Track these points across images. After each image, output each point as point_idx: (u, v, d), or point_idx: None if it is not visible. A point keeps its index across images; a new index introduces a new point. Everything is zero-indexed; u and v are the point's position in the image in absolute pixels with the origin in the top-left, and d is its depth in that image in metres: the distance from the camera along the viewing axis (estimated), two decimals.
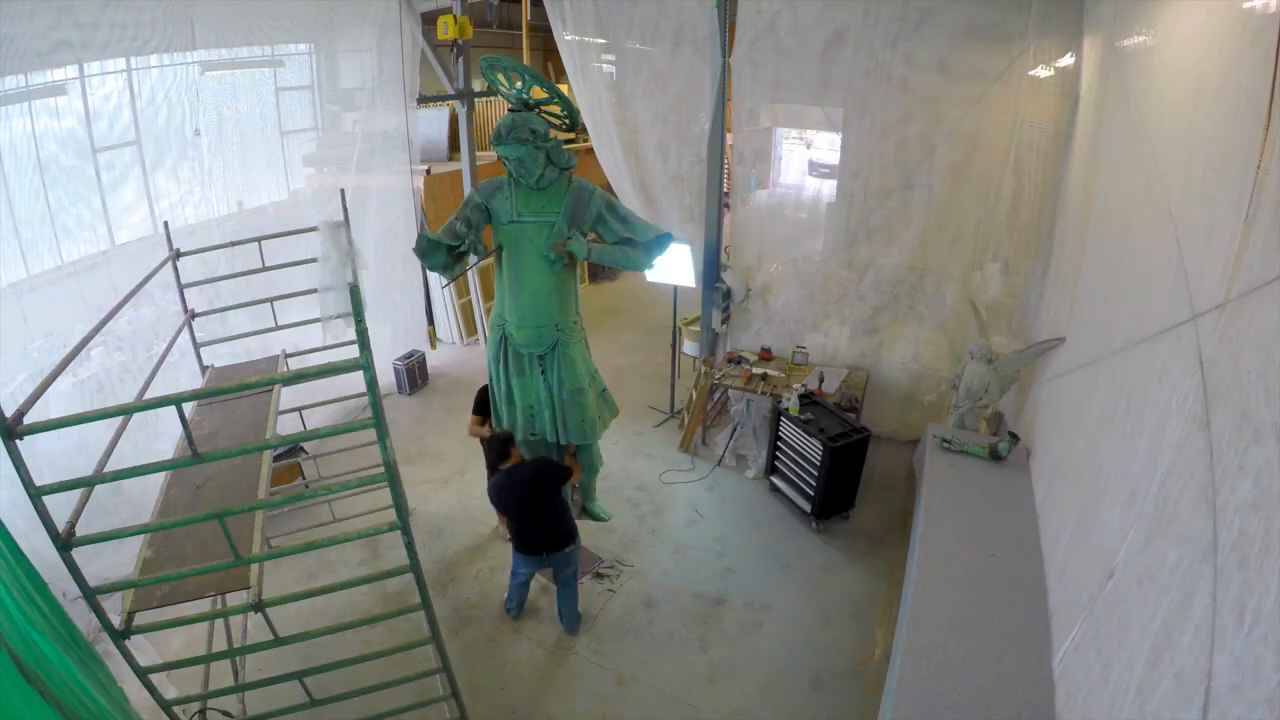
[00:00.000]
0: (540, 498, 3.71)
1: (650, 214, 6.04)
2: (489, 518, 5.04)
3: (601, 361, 4.33)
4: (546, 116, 3.67)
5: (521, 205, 3.62)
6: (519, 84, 3.63)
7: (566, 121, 3.76)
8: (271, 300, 4.10)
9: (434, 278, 7.40)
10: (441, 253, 3.63)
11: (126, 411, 2.24)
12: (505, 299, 3.77)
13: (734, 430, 5.77)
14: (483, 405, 4.28)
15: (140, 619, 2.31)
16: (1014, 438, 4.21)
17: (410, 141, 6.55)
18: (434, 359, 7.40)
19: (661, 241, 3.72)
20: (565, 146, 3.68)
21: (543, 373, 3.80)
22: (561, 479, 3.81)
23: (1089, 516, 2.79)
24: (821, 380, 5.32)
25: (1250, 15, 2.09)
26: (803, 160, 7.44)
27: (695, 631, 4.05)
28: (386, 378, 6.79)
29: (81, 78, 4.20)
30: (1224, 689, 1.46)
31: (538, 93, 3.63)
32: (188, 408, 3.05)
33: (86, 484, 2.00)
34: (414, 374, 6.91)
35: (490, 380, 4.08)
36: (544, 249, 3.59)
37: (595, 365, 4.11)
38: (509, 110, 3.61)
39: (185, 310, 3.80)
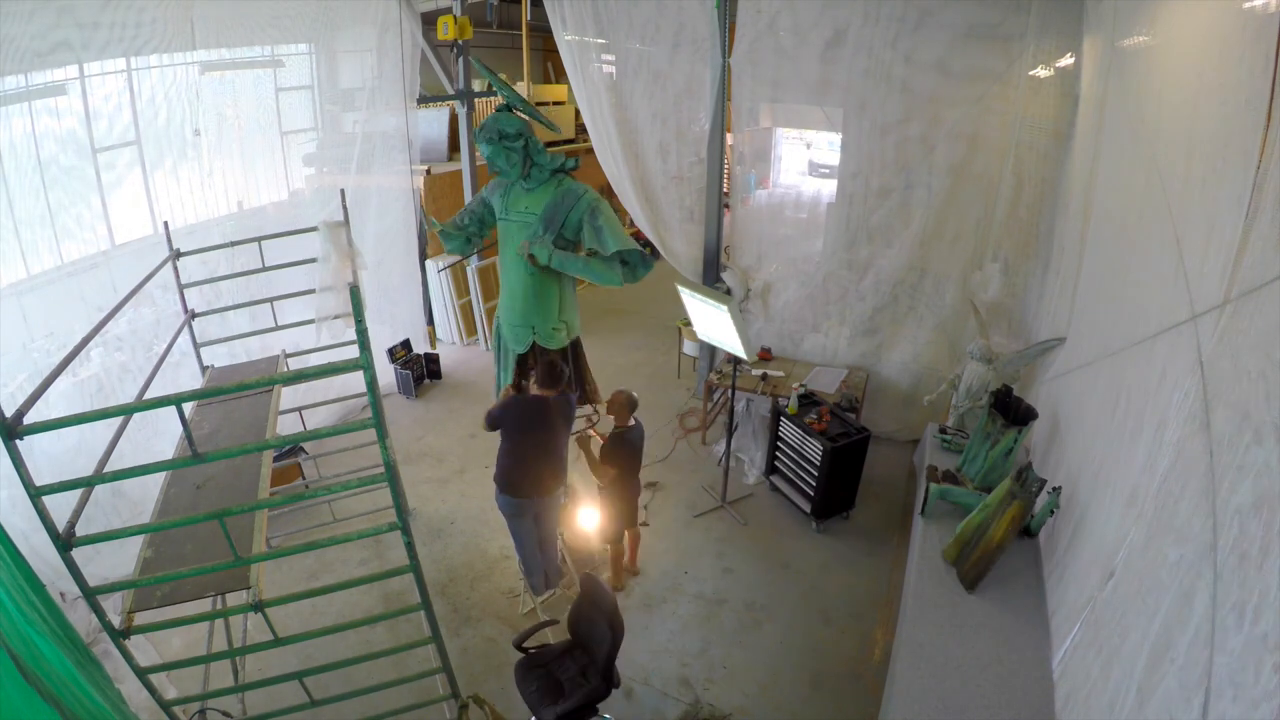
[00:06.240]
0: (559, 431, 3.43)
1: (650, 214, 6.03)
2: (489, 517, 5.03)
3: (602, 361, 4.34)
4: (523, 116, 3.75)
5: (511, 203, 3.69)
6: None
7: (541, 122, 3.90)
8: (271, 300, 4.11)
9: (433, 276, 7.49)
10: (456, 240, 4.06)
11: (126, 411, 2.24)
12: (502, 293, 3.95)
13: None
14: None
15: (140, 619, 2.31)
16: None
17: (410, 141, 6.56)
18: None
19: (632, 259, 3.73)
20: (566, 148, 3.75)
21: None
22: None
23: (1089, 516, 2.79)
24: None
25: (1250, 15, 2.09)
26: (803, 160, 7.42)
27: (695, 631, 4.05)
28: (386, 378, 6.80)
29: (81, 78, 4.19)
30: (1224, 689, 1.46)
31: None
32: (188, 408, 3.06)
33: (86, 484, 2.00)
34: (420, 369, 6.90)
35: (497, 366, 4.23)
36: (515, 249, 3.66)
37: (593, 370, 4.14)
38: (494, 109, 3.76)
39: (185, 310, 3.80)
